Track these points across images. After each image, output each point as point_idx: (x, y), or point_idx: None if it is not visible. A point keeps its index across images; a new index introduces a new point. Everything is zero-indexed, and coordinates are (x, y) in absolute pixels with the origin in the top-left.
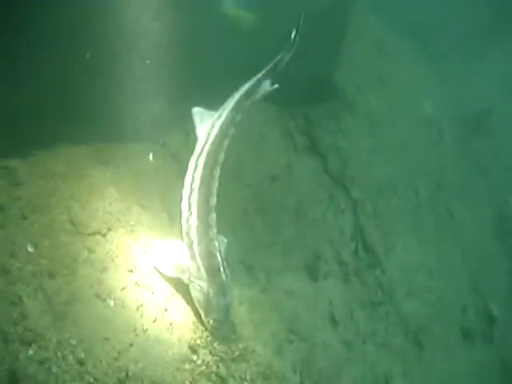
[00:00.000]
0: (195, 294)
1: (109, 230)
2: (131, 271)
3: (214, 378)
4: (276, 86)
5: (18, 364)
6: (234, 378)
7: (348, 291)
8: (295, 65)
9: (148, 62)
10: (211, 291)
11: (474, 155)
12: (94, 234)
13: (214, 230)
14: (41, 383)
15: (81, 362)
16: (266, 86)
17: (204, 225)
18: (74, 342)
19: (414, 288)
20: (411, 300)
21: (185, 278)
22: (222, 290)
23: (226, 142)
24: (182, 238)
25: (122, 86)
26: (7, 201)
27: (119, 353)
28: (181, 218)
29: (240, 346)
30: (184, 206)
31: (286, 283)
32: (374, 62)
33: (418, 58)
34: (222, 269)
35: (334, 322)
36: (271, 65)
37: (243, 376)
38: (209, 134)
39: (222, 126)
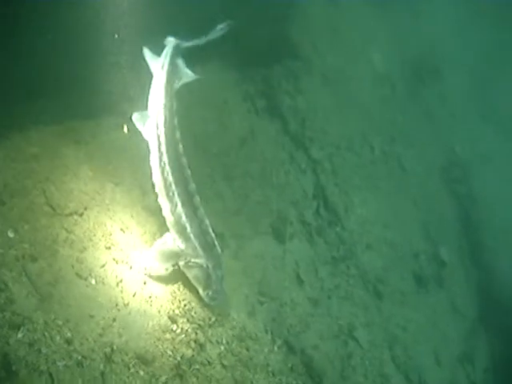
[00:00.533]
0: (193, 272)
1: (85, 209)
2: (109, 248)
3: (193, 344)
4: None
5: (8, 348)
6: (212, 342)
7: (312, 250)
8: (252, 27)
9: (116, 36)
10: (210, 265)
11: (422, 104)
12: (71, 214)
13: (202, 210)
14: (32, 364)
15: (68, 341)
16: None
17: (192, 210)
18: (60, 322)
19: (372, 241)
20: (369, 252)
21: (181, 262)
22: (218, 262)
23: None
24: (168, 227)
25: (89, 60)
26: None
27: (103, 329)
28: (164, 211)
29: (216, 312)
30: (164, 199)
31: (255, 248)
32: (329, 18)
33: (372, 13)
34: (216, 243)
35: (300, 280)
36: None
37: (220, 340)
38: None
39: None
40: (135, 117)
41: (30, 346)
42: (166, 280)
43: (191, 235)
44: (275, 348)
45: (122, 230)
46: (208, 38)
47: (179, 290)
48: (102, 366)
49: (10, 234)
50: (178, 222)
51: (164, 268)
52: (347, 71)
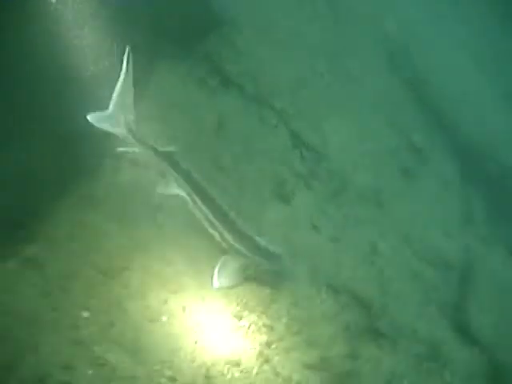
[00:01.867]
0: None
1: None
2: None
3: (263, 329)
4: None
5: None
6: (276, 319)
7: (313, 195)
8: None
9: None
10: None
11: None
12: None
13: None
14: None
15: (172, 379)
16: None
17: (238, 234)
18: (157, 367)
19: (356, 159)
20: (358, 170)
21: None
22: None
23: None
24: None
25: None
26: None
27: (191, 354)
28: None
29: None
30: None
31: (269, 217)
32: None
33: None
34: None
35: (316, 228)
36: None
37: (281, 314)
38: None
39: None
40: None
41: None
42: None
43: (246, 252)
44: (323, 296)
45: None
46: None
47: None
48: None
49: (85, 314)
50: (231, 247)
51: (236, 282)
52: (273, 12)
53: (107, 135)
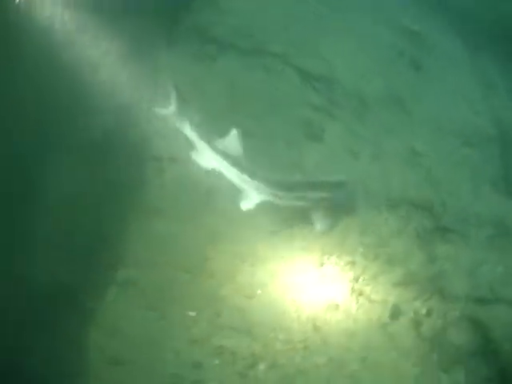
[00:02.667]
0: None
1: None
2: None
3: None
4: None
5: None
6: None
7: (339, 123)
8: None
9: None
10: None
11: None
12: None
13: None
14: None
15: None
16: None
17: None
18: None
19: (366, 72)
20: (371, 82)
21: None
22: None
23: None
24: None
25: None
26: None
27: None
28: None
29: None
30: None
31: (308, 159)
32: None
33: None
34: None
35: (355, 155)
36: None
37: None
38: None
39: None
40: None
41: None
42: None
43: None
44: (386, 215)
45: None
46: None
47: None
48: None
49: (191, 313)
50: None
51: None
52: None
53: (139, 140)
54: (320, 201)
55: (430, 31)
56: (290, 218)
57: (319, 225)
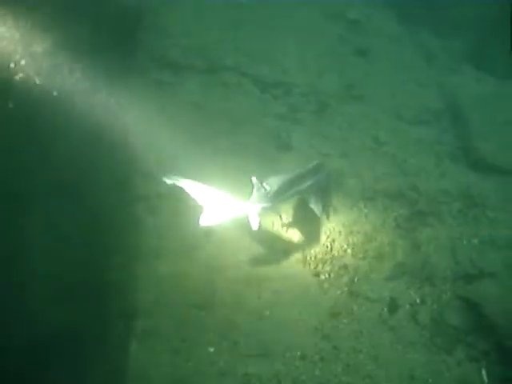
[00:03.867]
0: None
1: None
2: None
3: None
4: None
5: None
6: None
7: (304, 128)
8: None
9: None
10: None
11: None
12: None
13: None
14: None
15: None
16: None
17: None
18: None
19: (319, 68)
20: (324, 76)
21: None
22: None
23: None
24: None
25: None
26: None
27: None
28: None
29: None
30: None
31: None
32: None
33: None
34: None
35: (325, 154)
36: None
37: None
38: None
39: None
40: None
41: None
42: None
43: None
44: (365, 210)
45: None
46: None
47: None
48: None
49: (211, 349)
50: None
51: None
52: None
53: (123, 180)
54: (308, 189)
55: (369, 17)
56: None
57: (316, 209)
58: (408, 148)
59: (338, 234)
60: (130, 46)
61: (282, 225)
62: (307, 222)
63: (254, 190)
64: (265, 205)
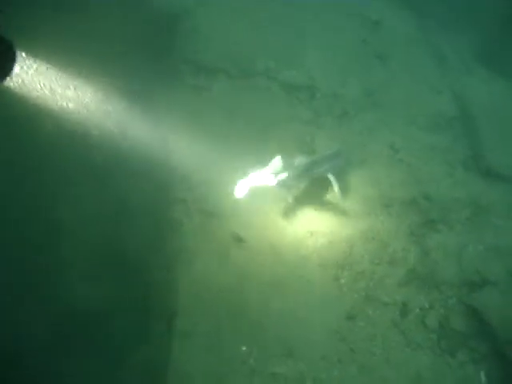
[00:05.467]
0: None
1: None
2: None
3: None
4: None
5: None
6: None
7: (326, 133)
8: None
9: None
10: None
11: None
12: None
13: None
14: None
15: None
16: None
17: None
18: None
19: (341, 75)
20: (347, 84)
21: None
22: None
23: None
24: None
25: None
26: None
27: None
28: None
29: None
30: None
31: None
32: None
33: None
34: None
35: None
36: None
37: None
38: None
39: None
40: None
41: None
42: None
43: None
44: (386, 222)
45: None
46: None
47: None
48: None
49: (243, 348)
50: None
51: None
52: None
53: (162, 184)
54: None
55: (389, 18)
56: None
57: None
58: (422, 155)
59: (356, 240)
60: (165, 51)
61: (305, 231)
62: (328, 227)
63: (280, 163)
64: (289, 175)
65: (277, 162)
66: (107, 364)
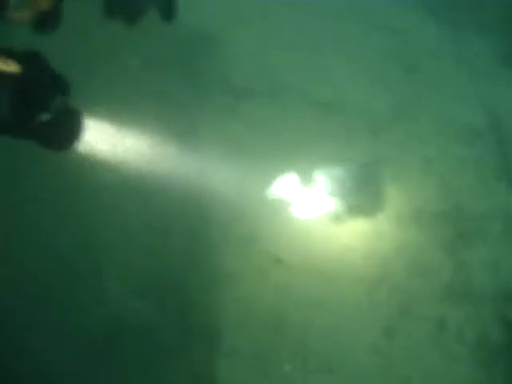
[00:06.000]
0: None
1: None
2: None
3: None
4: None
5: None
6: None
7: (360, 147)
8: None
9: None
10: None
11: None
12: None
13: None
14: None
15: None
16: None
17: None
18: None
19: (368, 88)
20: (375, 98)
21: None
22: None
23: None
24: None
25: None
26: None
27: None
28: None
29: None
30: None
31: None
32: None
33: None
34: None
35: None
36: None
37: None
38: None
39: None
40: None
41: None
42: None
43: None
44: (419, 235)
45: None
46: None
47: None
48: None
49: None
50: None
51: None
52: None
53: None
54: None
55: (412, 25)
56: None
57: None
58: (454, 167)
59: (390, 254)
60: (200, 74)
61: (340, 247)
62: (362, 242)
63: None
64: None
65: (319, 178)
66: (150, 377)
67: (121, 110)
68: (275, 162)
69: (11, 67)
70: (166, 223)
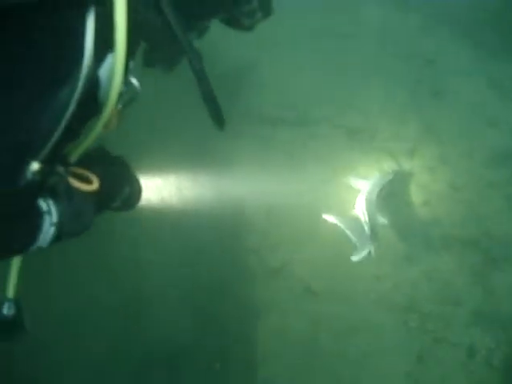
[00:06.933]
0: None
1: None
2: None
3: None
4: None
5: None
6: None
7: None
8: None
9: None
10: None
11: None
12: None
13: None
14: None
15: None
16: None
17: None
18: None
19: (396, 113)
20: (406, 123)
21: None
22: None
23: None
24: None
25: None
26: None
27: None
28: None
29: None
30: None
31: None
32: None
33: None
34: None
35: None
36: None
37: None
38: None
39: None
40: None
41: None
42: None
43: None
44: (449, 262)
45: None
46: None
47: None
48: None
49: None
50: None
51: None
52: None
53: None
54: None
55: (443, 51)
56: None
57: None
58: (482, 192)
59: (420, 281)
60: (232, 105)
61: (372, 276)
62: (392, 269)
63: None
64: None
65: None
66: None
67: (160, 148)
68: (307, 190)
69: (92, 185)
70: (204, 256)
